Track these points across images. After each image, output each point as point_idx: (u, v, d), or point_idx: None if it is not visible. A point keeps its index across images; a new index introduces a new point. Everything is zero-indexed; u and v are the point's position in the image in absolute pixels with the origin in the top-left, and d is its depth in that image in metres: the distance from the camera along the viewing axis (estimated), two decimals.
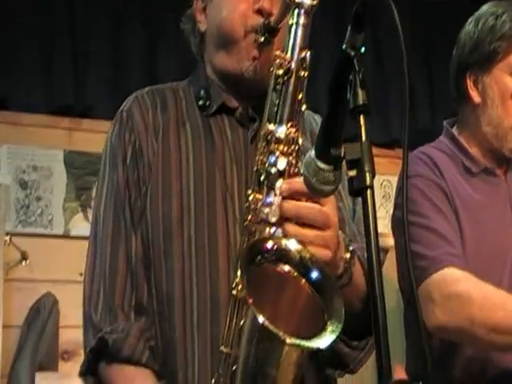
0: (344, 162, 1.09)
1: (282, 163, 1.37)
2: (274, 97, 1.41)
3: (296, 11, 1.39)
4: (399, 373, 1.97)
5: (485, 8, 2.01)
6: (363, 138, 1.04)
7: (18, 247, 3.20)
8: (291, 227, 1.30)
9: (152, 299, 1.48)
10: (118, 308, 1.47)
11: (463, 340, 1.86)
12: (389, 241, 2.34)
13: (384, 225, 3.07)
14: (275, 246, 1.29)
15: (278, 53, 1.42)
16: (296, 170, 1.37)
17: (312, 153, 1.16)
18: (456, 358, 1.90)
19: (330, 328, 1.24)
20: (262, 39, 1.48)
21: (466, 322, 1.78)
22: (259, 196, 1.37)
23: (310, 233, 1.30)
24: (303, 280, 1.29)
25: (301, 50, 1.40)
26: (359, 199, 1.64)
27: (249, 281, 1.23)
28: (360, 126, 1.04)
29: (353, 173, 1.05)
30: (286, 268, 1.30)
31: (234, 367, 1.30)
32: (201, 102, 1.56)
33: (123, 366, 1.43)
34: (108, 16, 3.49)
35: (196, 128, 1.55)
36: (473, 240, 1.91)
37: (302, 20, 1.39)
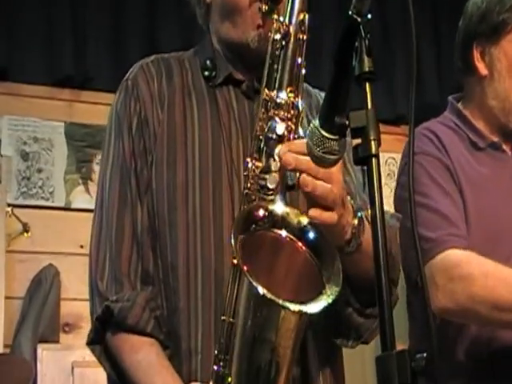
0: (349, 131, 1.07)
1: (280, 128, 1.34)
2: (273, 62, 1.39)
3: None
4: None
5: None
6: (369, 106, 1.01)
7: (20, 219, 3.20)
8: (305, 178, 1.25)
9: (158, 268, 1.47)
10: (124, 277, 1.46)
11: (467, 320, 1.84)
12: None
13: (388, 204, 3.05)
14: (269, 213, 1.27)
15: (275, 17, 1.39)
16: (296, 135, 1.35)
17: (316, 122, 1.14)
18: (459, 338, 1.89)
19: (327, 292, 1.23)
20: (266, 8, 1.46)
21: (468, 301, 1.77)
22: (258, 164, 1.35)
23: (323, 186, 1.25)
24: (300, 244, 1.28)
25: (299, 13, 1.37)
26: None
27: (244, 249, 1.22)
28: (365, 94, 1.02)
29: (357, 141, 1.03)
30: (282, 233, 1.28)
31: (235, 337, 1.30)
32: (206, 73, 1.55)
33: (129, 335, 1.43)
34: None
35: (202, 99, 1.53)
36: (479, 216, 1.89)
37: None
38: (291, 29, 1.38)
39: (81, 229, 3.08)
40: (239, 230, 1.25)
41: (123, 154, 1.51)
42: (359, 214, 1.37)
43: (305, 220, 1.28)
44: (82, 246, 3.13)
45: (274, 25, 1.39)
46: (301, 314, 1.23)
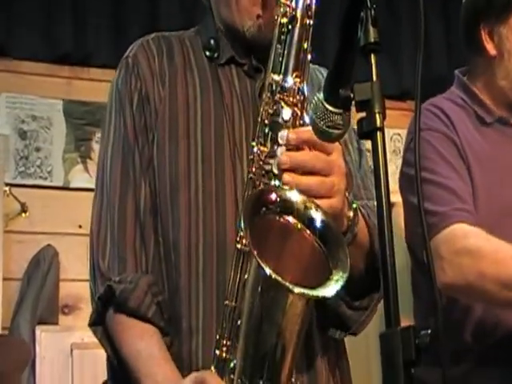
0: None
1: (286, 113, 1.35)
2: (279, 46, 1.39)
3: None
4: None
5: None
6: (374, 78, 1.01)
7: (18, 199, 3.20)
8: (288, 176, 1.28)
9: (159, 247, 1.48)
10: (127, 256, 1.47)
11: (473, 297, 1.84)
12: (397, 197, 2.32)
13: (393, 181, 3.04)
14: (279, 198, 1.27)
15: (282, 0, 1.39)
16: (301, 121, 1.35)
17: (320, 95, 1.14)
18: (464, 322, 1.89)
19: (335, 277, 1.24)
20: None
21: (476, 277, 1.76)
22: (264, 148, 1.35)
23: (310, 180, 1.28)
24: (307, 231, 1.28)
25: None
26: (365, 152, 1.65)
27: (252, 232, 1.22)
28: (371, 65, 1.02)
29: (362, 114, 1.02)
30: (290, 219, 1.28)
31: (239, 321, 1.30)
32: (209, 53, 1.55)
33: (129, 319, 1.43)
34: None
35: (204, 77, 1.54)
36: (486, 193, 1.89)
37: None
38: (298, 13, 1.37)
39: (80, 208, 3.09)
40: (249, 211, 1.25)
41: (125, 131, 1.52)
42: (354, 206, 1.38)
43: (312, 207, 1.28)
44: (80, 226, 3.13)
45: (281, 8, 1.39)
46: (308, 298, 1.23)
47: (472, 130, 1.93)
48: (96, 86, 3.28)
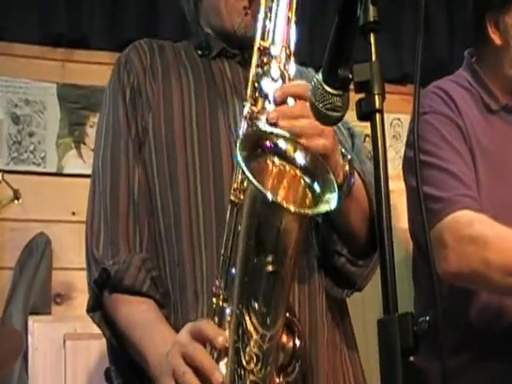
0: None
1: (275, 72, 1.44)
2: (266, 15, 1.48)
3: None
4: None
5: None
6: (373, 58, 1.02)
7: (11, 185, 3.20)
8: (282, 122, 1.36)
9: (158, 226, 1.55)
10: (120, 240, 1.54)
11: (478, 285, 1.84)
12: (397, 184, 2.32)
13: (393, 167, 3.04)
14: (272, 143, 1.34)
15: None
16: (290, 80, 1.45)
17: (319, 76, 1.15)
18: (467, 310, 1.90)
19: (325, 198, 1.30)
20: None
21: (481, 265, 1.76)
22: (255, 108, 1.43)
23: (301, 121, 1.36)
24: (296, 170, 1.35)
25: None
26: (358, 133, 1.68)
27: (248, 166, 1.28)
28: (370, 45, 1.02)
29: (361, 95, 1.03)
30: (281, 161, 1.35)
31: (234, 270, 1.35)
32: (201, 52, 1.66)
33: (125, 296, 1.50)
34: None
35: (196, 68, 1.64)
36: (489, 184, 1.89)
37: None
38: None
39: (73, 195, 3.09)
40: (244, 146, 1.31)
41: (118, 121, 1.60)
42: (349, 157, 1.46)
43: (298, 148, 1.36)
44: (73, 213, 3.14)
45: None
46: (304, 216, 1.30)
47: (477, 115, 1.94)
48: (91, 69, 3.27)
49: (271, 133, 1.36)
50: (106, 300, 1.52)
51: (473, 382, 1.89)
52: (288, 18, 1.48)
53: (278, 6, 1.48)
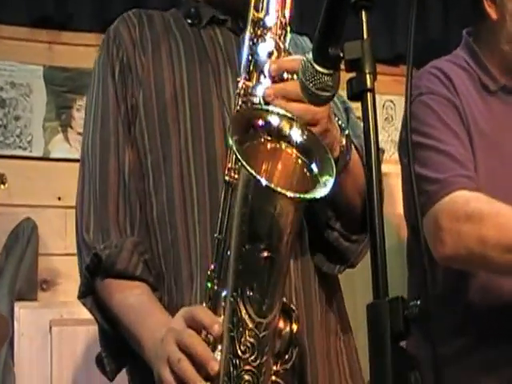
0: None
1: (270, 45, 1.41)
2: None
3: None
4: None
5: None
6: (365, 36, 1.01)
7: None
8: (279, 102, 1.34)
9: (151, 207, 1.53)
10: (110, 225, 1.52)
11: (476, 265, 1.83)
12: (389, 167, 2.32)
13: (386, 149, 3.04)
14: (265, 121, 1.32)
15: None
16: (285, 53, 1.42)
17: (309, 56, 1.14)
18: (464, 291, 1.90)
19: (322, 180, 1.28)
20: None
21: (477, 244, 1.75)
22: (249, 83, 1.41)
23: (296, 105, 1.33)
24: (292, 148, 1.32)
25: None
26: (352, 108, 1.67)
27: (240, 148, 1.25)
28: (362, 23, 1.01)
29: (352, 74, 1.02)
30: (276, 140, 1.33)
31: (229, 252, 1.33)
32: (190, 21, 1.63)
33: (118, 280, 1.49)
34: None
35: (187, 40, 1.60)
36: (487, 165, 1.88)
37: None
38: None
39: (60, 180, 3.08)
40: (236, 129, 1.29)
41: (107, 99, 1.58)
42: (346, 132, 1.44)
43: (294, 125, 1.33)
44: (59, 198, 3.12)
45: None
46: (299, 201, 1.27)
47: (475, 96, 1.93)
48: (78, 51, 3.25)
49: (266, 110, 1.34)
50: (99, 285, 1.51)
51: (472, 365, 1.90)
52: None
53: None
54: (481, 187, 1.84)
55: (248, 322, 1.28)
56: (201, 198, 1.50)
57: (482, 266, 1.82)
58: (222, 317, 1.33)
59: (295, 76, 1.30)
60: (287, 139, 1.33)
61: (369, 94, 0.99)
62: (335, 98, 1.59)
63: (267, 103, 1.36)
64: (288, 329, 1.35)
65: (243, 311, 1.28)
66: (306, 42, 1.71)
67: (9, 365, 2.79)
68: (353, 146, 1.47)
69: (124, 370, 1.61)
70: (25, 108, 3.27)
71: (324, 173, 1.29)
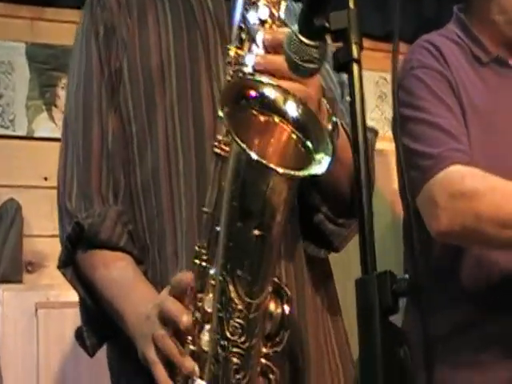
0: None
1: (264, 13, 1.37)
2: None
3: None
4: None
5: None
6: (351, 5, 1.00)
7: None
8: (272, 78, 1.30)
9: (135, 177, 1.51)
10: (93, 193, 1.50)
11: (471, 241, 1.84)
12: (383, 144, 2.32)
13: (379, 127, 3.03)
14: (257, 93, 1.29)
15: None
16: (279, 22, 1.38)
17: (295, 27, 1.13)
18: (458, 266, 1.90)
19: (317, 158, 1.25)
20: None
21: (473, 220, 1.76)
22: (241, 52, 1.37)
23: (291, 84, 1.30)
24: (286, 123, 1.30)
25: None
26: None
27: (231, 121, 1.22)
28: None
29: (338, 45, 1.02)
30: (269, 113, 1.30)
31: (218, 228, 1.31)
32: None
33: (101, 251, 1.47)
34: None
35: (174, 3, 1.57)
36: (481, 138, 1.89)
37: None
38: None
39: (45, 160, 3.06)
40: (226, 100, 1.26)
41: (90, 63, 1.55)
42: (334, 119, 1.41)
43: (290, 99, 1.30)
44: (46, 179, 3.10)
45: None
46: (292, 178, 1.24)
47: (467, 69, 1.93)
48: (61, 27, 3.23)
49: (258, 81, 1.30)
50: (80, 256, 1.49)
51: (472, 341, 1.91)
52: None
53: None
54: (474, 160, 1.84)
55: (237, 302, 1.26)
56: (187, 170, 1.48)
57: (477, 242, 1.83)
58: (211, 295, 1.31)
59: None
60: (281, 113, 1.30)
61: (355, 64, 0.99)
62: (330, 72, 1.58)
63: (259, 73, 1.33)
64: (279, 310, 1.33)
65: (232, 291, 1.26)
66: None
67: None
68: (342, 130, 1.45)
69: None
70: (7, 86, 3.25)
71: (320, 150, 1.26)
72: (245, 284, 1.26)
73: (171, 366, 1.31)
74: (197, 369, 1.30)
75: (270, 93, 1.29)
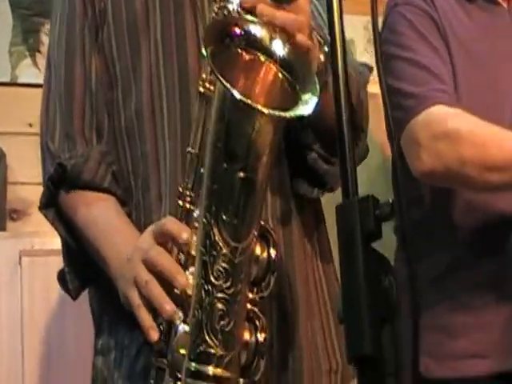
0: None
1: None
2: None
3: None
4: None
5: None
6: None
7: None
8: (263, 8, 1.27)
9: (119, 117, 1.50)
10: (76, 133, 1.49)
11: (454, 183, 1.84)
12: (373, 89, 2.30)
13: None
14: (243, 31, 1.27)
15: None
16: None
17: None
18: (452, 207, 1.91)
19: (304, 99, 1.24)
20: None
21: (455, 162, 1.76)
22: None
23: (285, 15, 1.27)
24: (273, 62, 1.28)
25: None
26: None
27: (215, 60, 1.20)
28: None
29: None
30: (255, 52, 1.28)
31: (202, 169, 1.30)
32: None
33: (84, 191, 1.46)
34: None
35: None
36: (467, 76, 1.88)
37: None
38: None
39: (29, 106, 3.01)
40: (210, 38, 1.24)
41: (73, 5, 1.53)
42: (325, 49, 1.38)
43: (277, 37, 1.28)
44: (30, 125, 3.08)
45: None
46: (278, 119, 1.23)
47: (453, 5, 1.92)
48: None
49: (244, 18, 1.28)
50: (63, 197, 1.49)
51: (470, 280, 1.91)
52: None
53: None
54: (462, 98, 1.84)
55: (222, 246, 1.25)
56: (171, 110, 1.47)
57: (461, 184, 1.84)
58: (195, 238, 1.30)
59: None
60: (268, 51, 1.28)
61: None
62: (320, 9, 1.56)
63: (245, 10, 1.30)
64: (265, 255, 1.32)
65: (217, 234, 1.24)
66: None
67: None
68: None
69: None
70: None
71: (307, 90, 1.25)
72: (229, 227, 1.24)
73: (154, 311, 1.30)
74: (181, 314, 1.29)
75: (256, 30, 1.27)
